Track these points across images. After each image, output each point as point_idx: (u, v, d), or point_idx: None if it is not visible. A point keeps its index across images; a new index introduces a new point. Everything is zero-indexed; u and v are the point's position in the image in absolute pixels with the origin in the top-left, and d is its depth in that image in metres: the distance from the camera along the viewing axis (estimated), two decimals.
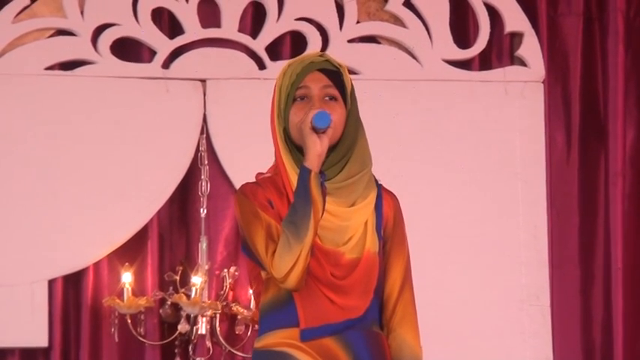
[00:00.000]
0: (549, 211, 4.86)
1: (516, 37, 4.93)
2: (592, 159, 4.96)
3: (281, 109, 2.88)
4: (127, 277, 4.60)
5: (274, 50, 4.80)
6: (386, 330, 2.92)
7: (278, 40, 4.81)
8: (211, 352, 4.67)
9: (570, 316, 4.91)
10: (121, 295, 4.60)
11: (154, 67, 4.71)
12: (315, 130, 2.80)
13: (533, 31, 4.89)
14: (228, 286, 4.70)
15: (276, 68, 4.60)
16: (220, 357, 4.70)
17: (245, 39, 4.78)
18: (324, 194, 2.80)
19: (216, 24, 4.78)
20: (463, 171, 4.79)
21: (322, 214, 2.80)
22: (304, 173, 2.79)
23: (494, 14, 4.89)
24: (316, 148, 2.79)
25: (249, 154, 4.47)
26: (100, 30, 4.70)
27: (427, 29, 4.85)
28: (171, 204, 4.73)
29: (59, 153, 4.63)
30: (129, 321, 4.60)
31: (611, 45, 4.93)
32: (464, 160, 4.79)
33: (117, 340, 4.62)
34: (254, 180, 2.91)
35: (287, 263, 2.78)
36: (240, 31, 4.78)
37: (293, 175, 2.85)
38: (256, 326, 4.56)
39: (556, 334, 4.84)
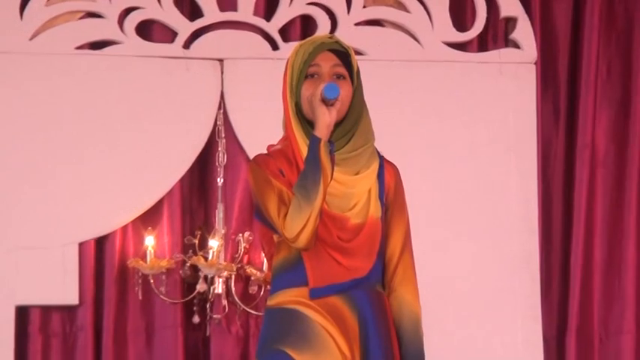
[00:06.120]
0: (540, 183, 4.86)
1: (511, 22, 4.92)
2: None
3: (293, 85, 2.89)
4: (149, 241, 4.62)
5: (286, 32, 4.80)
6: (387, 290, 2.94)
7: (290, 23, 4.80)
8: (227, 309, 4.70)
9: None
10: (144, 257, 4.61)
11: (176, 47, 4.71)
12: (325, 102, 2.81)
13: (526, 16, 4.89)
14: (242, 250, 4.72)
15: (288, 49, 4.60)
16: (235, 314, 4.73)
17: (259, 22, 4.78)
18: (332, 161, 2.81)
19: (233, 7, 4.78)
20: (460, 145, 4.79)
21: (331, 179, 2.81)
22: (314, 142, 2.80)
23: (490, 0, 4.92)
24: (325, 119, 2.80)
25: (262, 128, 4.37)
26: (126, 12, 4.69)
27: (428, 13, 4.85)
28: (191, 173, 4.74)
29: (90, 126, 4.62)
30: (152, 281, 4.62)
31: (588, 30, 4.94)
32: (461, 135, 4.79)
33: (140, 298, 4.64)
34: (266, 151, 2.93)
35: (298, 224, 2.78)
36: (254, 14, 4.78)
37: (303, 146, 2.87)
38: (268, 287, 4.52)
39: None
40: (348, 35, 4.58)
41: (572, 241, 4.88)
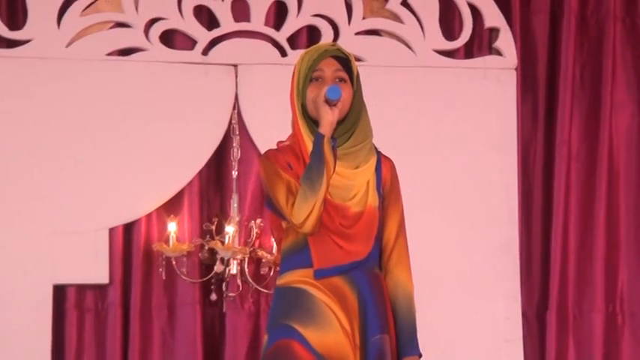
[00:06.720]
0: (519, 176, 4.94)
1: (494, 32, 5.00)
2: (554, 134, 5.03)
3: (299, 88, 3.01)
4: (172, 227, 4.70)
5: (294, 40, 4.88)
6: (384, 271, 3.05)
7: (297, 32, 4.89)
8: (240, 288, 4.78)
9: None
10: (167, 241, 4.69)
11: (195, 54, 4.79)
12: (328, 102, 2.93)
13: (508, 27, 4.97)
14: (254, 235, 4.80)
15: (295, 55, 4.67)
16: (248, 293, 4.81)
17: (270, 31, 4.87)
18: (335, 155, 2.94)
19: (247, 18, 4.86)
20: (448, 142, 4.85)
21: (333, 172, 2.93)
22: (319, 138, 2.92)
23: (475, 12, 4.98)
24: (328, 117, 2.91)
25: (272, 126, 4.18)
26: (151, 23, 4.78)
27: (420, 24, 4.92)
28: (209, 167, 4.82)
29: (119, 124, 4.68)
30: (174, 262, 4.71)
31: (564, 39, 5.01)
32: (449, 132, 4.86)
33: (164, 278, 4.73)
34: (275, 147, 3.06)
35: (304, 212, 2.91)
36: (265, 24, 4.86)
37: (309, 142, 2.99)
38: (277, 268, 4.48)
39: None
40: (348, 43, 4.61)
41: (552, 229, 4.95)
